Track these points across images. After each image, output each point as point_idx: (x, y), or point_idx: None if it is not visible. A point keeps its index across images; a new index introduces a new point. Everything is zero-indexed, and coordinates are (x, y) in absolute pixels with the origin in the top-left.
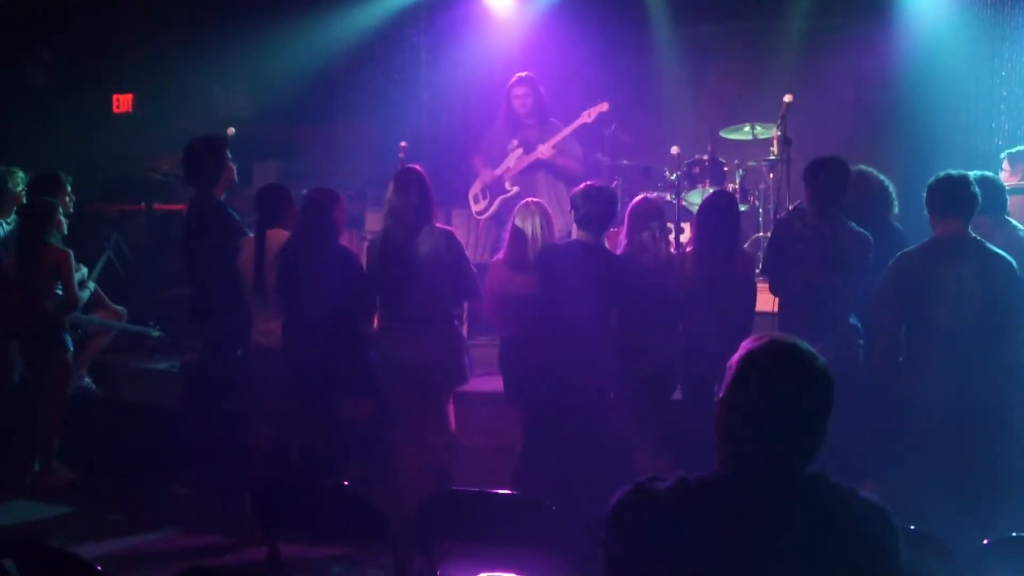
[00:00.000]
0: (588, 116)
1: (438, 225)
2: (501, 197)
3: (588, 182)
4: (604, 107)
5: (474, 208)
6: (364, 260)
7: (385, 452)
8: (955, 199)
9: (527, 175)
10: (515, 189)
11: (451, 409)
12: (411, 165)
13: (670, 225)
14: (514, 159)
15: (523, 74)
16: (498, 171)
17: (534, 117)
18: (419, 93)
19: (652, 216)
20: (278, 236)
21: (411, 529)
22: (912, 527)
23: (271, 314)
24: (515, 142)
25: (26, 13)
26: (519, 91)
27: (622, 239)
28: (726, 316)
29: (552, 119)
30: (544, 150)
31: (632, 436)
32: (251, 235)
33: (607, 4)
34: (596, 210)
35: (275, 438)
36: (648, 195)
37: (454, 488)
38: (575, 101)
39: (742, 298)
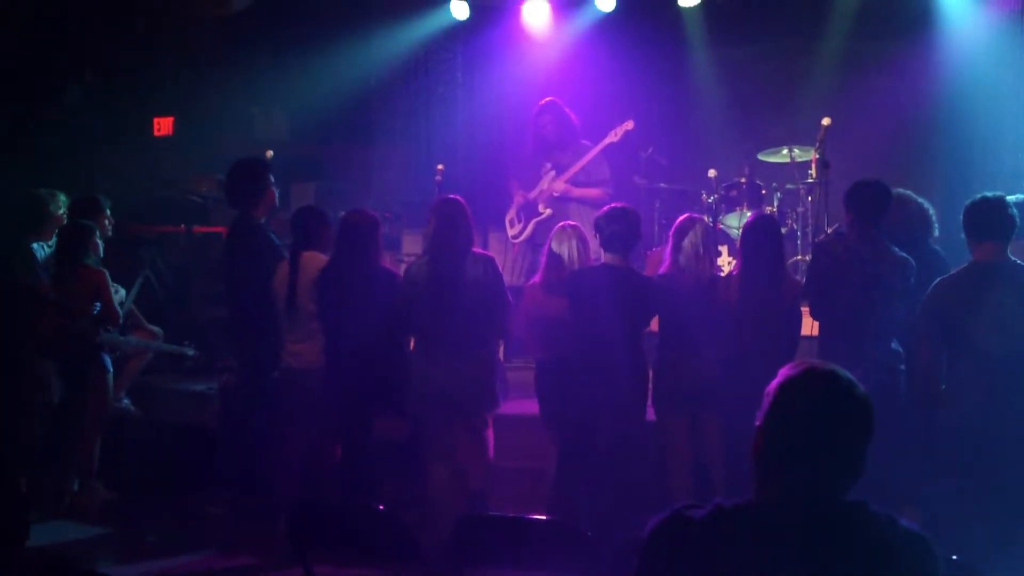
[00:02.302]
0: (615, 135)
1: (479, 251)
2: (535, 220)
3: (611, 204)
4: (630, 125)
5: (510, 232)
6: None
7: (419, 474)
8: (993, 223)
9: (559, 198)
10: (548, 211)
11: (490, 434)
12: (452, 196)
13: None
14: (547, 181)
15: (547, 100)
16: (532, 194)
17: (564, 140)
18: (456, 114)
19: (694, 235)
20: (313, 258)
21: (444, 552)
22: (954, 557)
23: (301, 336)
24: (548, 165)
25: (68, 36)
26: (544, 119)
27: (665, 258)
28: (770, 342)
29: (583, 140)
30: (557, 187)
31: (667, 459)
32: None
33: (644, 25)
34: (620, 231)
35: (310, 458)
36: (692, 215)
37: (488, 512)
38: (610, 122)
39: (787, 324)
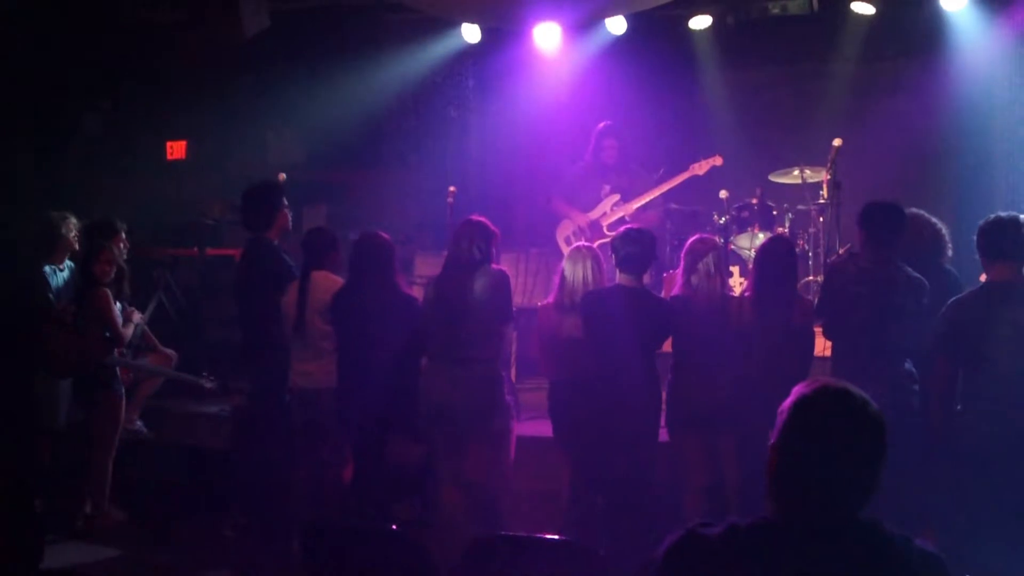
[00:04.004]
0: (699, 168)
1: (495, 267)
2: (600, 242)
3: (626, 225)
4: (718, 161)
5: (566, 251)
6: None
7: (432, 493)
8: (1006, 242)
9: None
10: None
11: (508, 451)
12: (475, 216)
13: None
14: (609, 204)
15: (609, 123)
16: (593, 215)
17: (622, 164)
18: (468, 137)
19: (706, 255)
20: (322, 279)
21: (458, 573)
22: None
23: (310, 356)
24: (607, 188)
25: (83, 62)
26: (608, 142)
27: (678, 279)
28: (782, 362)
29: (633, 164)
30: (628, 211)
31: (681, 481)
32: None
33: (655, 48)
34: (635, 251)
35: (323, 479)
36: (703, 235)
37: (501, 532)
38: (625, 145)
39: (799, 345)
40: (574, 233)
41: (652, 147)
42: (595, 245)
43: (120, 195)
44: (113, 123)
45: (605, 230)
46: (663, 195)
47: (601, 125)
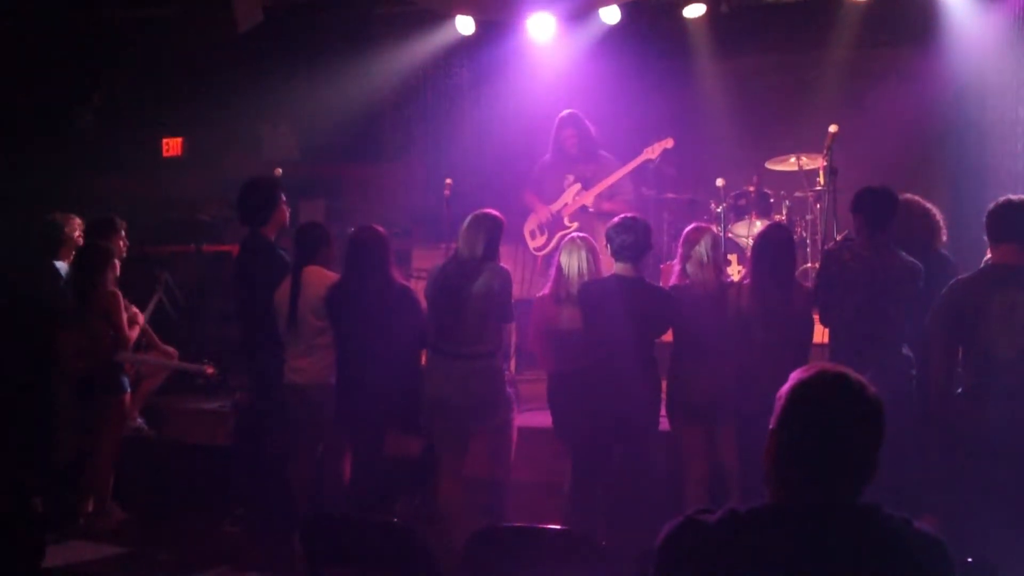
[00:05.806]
0: (652, 152)
1: (497, 264)
2: (561, 233)
3: (622, 214)
4: (669, 143)
5: (532, 244)
6: (423, 297)
7: (433, 487)
8: (1012, 224)
9: (591, 212)
10: (575, 225)
11: (510, 443)
12: (487, 210)
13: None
14: (571, 195)
15: (568, 112)
16: (555, 207)
17: (585, 153)
18: (463, 129)
19: (700, 242)
20: (315, 273)
21: (459, 565)
22: (969, 559)
23: (303, 351)
24: (571, 177)
25: (77, 59)
26: (567, 132)
27: (675, 268)
28: (782, 350)
29: (601, 152)
30: (587, 200)
31: (682, 470)
32: None
33: (649, 37)
34: (630, 240)
35: (321, 474)
36: (699, 224)
37: (502, 523)
38: (619, 134)
39: (798, 332)
40: (538, 227)
41: (647, 136)
42: (556, 237)
43: (116, 193)
44: (107, 120)
45: (566, 221)
46: (632, 182)
47: (561, 114)
